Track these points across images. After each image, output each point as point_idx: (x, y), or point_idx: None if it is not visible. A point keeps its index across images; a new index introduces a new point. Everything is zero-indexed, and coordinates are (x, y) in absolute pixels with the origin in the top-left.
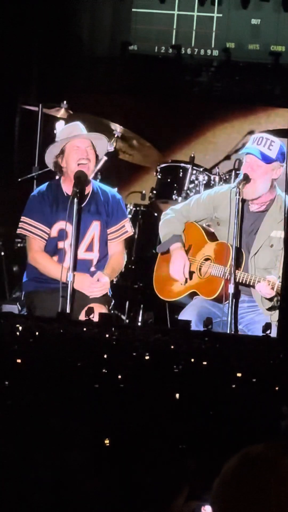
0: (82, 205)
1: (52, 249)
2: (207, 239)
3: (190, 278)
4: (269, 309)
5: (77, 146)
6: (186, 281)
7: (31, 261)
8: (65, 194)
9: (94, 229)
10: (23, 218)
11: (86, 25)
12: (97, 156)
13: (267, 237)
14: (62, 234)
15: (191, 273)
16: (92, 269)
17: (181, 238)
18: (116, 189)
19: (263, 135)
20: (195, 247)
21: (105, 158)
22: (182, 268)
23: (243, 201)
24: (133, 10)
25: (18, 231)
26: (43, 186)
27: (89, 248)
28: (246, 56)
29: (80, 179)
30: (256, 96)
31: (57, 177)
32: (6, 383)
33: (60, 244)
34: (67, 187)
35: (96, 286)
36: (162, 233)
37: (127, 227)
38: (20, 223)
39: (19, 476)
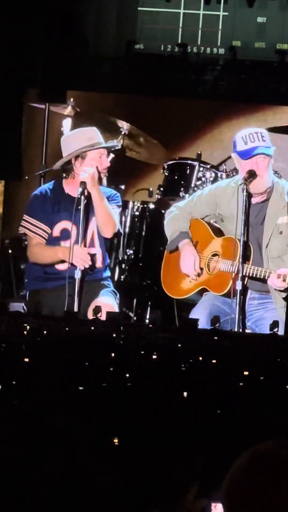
0: (81, 205)
1: None
2: (213, 235)
3: (199, 274)
4: (285, 298)
5: (100, 154)
6: (197, 276)
7: (29, 256)
8: (67, 195)
9: (93, 225)
10: (24, 217)
11: (91, 24)
12: None
13: (274, 225)
14: (65, 234)
15: (200, 269)
16: (98, 265)
17: (189, 235)
18: (123, 187)
19: (251, 131)
20: (202, 243)
21: (112, 155)
22: (193, 263)
23: (250, 196)
24: (138, 9)
25: (20, 229)
26: (45, 186)
27: (91, 244)
28: (252, 54)
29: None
30: (262, 94)
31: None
32: (14, 382)
33: (64, 244)
34: (70, 189)
35: (87, 257)
36: (168, 232)
37: (117, 212)
38: (22, 222)
39: (27, 475)
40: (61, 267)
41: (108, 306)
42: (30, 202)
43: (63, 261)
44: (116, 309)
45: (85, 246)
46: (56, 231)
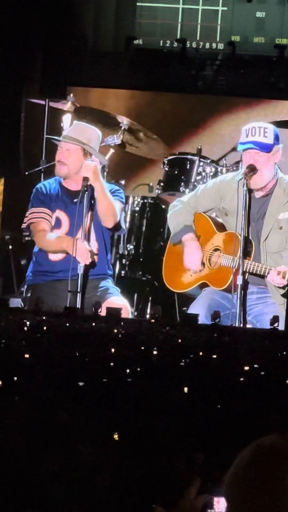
0: (78, 199)
1: None
2: (215, 230)
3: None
4: (283, 295)
5: (60, 146)
6: (195, 271)
7: (36, 241)
8: (64, 187)
9: (90, 219)
10: (29, 211)
11: (90, 19)
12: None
13: (275, 220)
14: (58, 223)
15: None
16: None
17: (192, 228)
18: (123, 182)
19: (255, 125)
20: (204, 238)
21: (112, 151)
22: (197, 259)
23: (250, 191)
24: (137, 4)
25: (23, 225)
26: (46, 181)
27: (87, 238)
28: (251, 49)
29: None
30: (261, 89)
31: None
32: (15, 378)
33: (55, 232)
34: (67, 182)
35: (87, 255)
36: (172, 225)
37: (119, 205)
38: (26, 218)
39: (28, 470)
40: (54, 257)
41: (121, 306)
42: (32, 196)
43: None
44: (129, 309)
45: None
46: (52, 220)
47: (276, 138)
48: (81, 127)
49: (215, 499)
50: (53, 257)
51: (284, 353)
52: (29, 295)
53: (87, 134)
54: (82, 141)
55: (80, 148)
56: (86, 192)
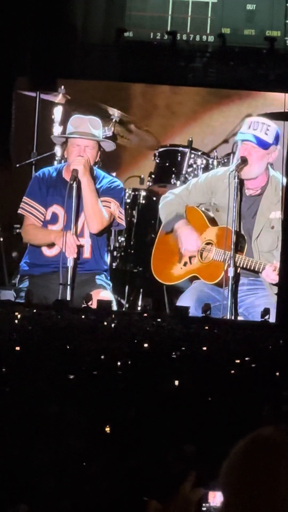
0: (73, 191)
1: None
2: (208, 224)
3: (191, 261)
4: (276, 294)
5: (77, 144)
6: (185, 264)
7: (23, 235)
8: (64, 179)
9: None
10: (24, 198)
11: (80, 11)
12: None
13: (266, 219)
14: (54, 218)
15: (191, 257)
16: (86, 256)
17: (184, 217)
18: (114, 174)
19: (259, 120)
20: (197, 231)
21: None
22: (195, 240)
23: (241, 184)
24: None
25: (19, 211)
26: (47, 169)
27: (80, 234)
28: (241, 41)
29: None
30: (251, 81)
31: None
32: (3, 369)
33: (51, 227)
34: (67, 174)
35: (74, 248)
36: (163, 214)
37: (112, 206)
38: (21, 203)
39: (19, 463)
40: (48, 253)
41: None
42: (30, 183)
43: (50, 245)
44: (115, 306)
45: (75, 234)
46: (48, 215)
47: (276, 139)
48: (93, 121)
49: (211, 493)
50: (47, 252)
51: (275, 345)
52: (22, 285)
53: (98, 127)
54: (98, 136)
55: (97, 143)
56: (76, 184)
